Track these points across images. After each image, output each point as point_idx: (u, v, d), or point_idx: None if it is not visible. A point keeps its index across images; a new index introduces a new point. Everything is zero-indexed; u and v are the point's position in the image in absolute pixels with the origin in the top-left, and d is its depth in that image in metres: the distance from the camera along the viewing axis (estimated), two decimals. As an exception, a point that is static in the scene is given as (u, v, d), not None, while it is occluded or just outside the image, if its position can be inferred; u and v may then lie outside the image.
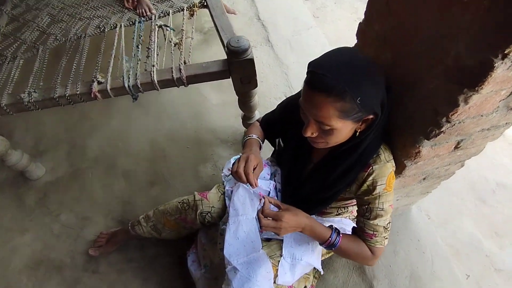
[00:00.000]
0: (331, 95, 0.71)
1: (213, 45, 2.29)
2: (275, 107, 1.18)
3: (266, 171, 1.18)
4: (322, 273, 1.12)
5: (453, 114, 0.71)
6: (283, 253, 1.05)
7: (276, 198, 1.13)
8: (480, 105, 0.71)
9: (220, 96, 2.05)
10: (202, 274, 1.24)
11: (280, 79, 2.08)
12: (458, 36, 0.64)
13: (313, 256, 1.08)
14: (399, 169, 1.01)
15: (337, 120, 0.76)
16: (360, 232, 0.98)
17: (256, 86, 1.42)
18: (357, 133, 0.85)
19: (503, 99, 0.74)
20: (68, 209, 1.65)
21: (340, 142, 0.87)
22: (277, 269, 1.04)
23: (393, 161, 0.93)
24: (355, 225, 1.14)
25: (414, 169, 1.02)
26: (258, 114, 1.68)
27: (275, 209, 0.95)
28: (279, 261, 1.04)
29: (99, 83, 1.27)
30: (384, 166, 0.90)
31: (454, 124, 0.77)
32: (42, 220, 1.62)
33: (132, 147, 1.84)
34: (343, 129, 0.80)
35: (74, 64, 1.37)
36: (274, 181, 1.17)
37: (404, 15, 0.77)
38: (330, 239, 0.96)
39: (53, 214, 1.63)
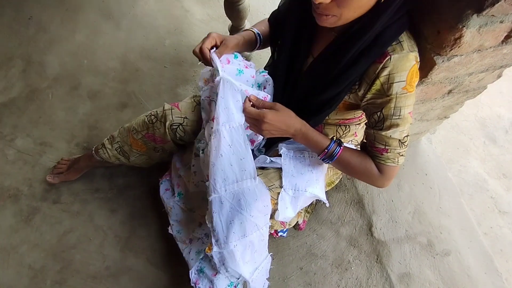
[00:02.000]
0: None
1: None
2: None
3: (250, 73, 0.90)
4: (326, 204, 0.94)
5: None
6: (283, 183, 0.85)
7: None
8: None
9: (205, 10, 1.73)
10: (175, 202, 1.05)
11: (276, -8, 1.75)
12: None
13: (317, 187, 0.88)
14: (425, 70, 0.79)
15: None
16: (370, 146, 0.78)
17: (246, -21, 1.12)
18: (382, 0, 0.61)
19: None
20: (24, 133, 1.41)
21: (356, 15, 0.63)
22: (276, 203, 0.85)
23: (417, 53, 0.69)
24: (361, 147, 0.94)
25: (445, 70, 0.79)
26: (248, 24, 1.39)
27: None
28: (278, 193, 0.85)
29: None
30: (405, 57, 0.67)
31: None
32: (-6, 145, 1.39)
33: (100, 65, 1.55)
34: None
35: None
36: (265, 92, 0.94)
37: None
38: (327, 149, 0.76)
39: (7, 139, 1.39)
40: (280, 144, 0.90)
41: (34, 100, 1.48)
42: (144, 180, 1.28)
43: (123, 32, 1.65)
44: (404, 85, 0.68)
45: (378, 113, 0.72)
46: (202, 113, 0.93)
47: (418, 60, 0.70)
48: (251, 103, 0.78)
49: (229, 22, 1.43)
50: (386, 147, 0.74)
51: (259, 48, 0.96)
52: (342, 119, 0.88)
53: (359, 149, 1.03)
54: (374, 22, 0.63)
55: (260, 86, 0.96)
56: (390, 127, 0.72)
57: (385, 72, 0.67)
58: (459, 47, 0.70)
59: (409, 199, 1.26)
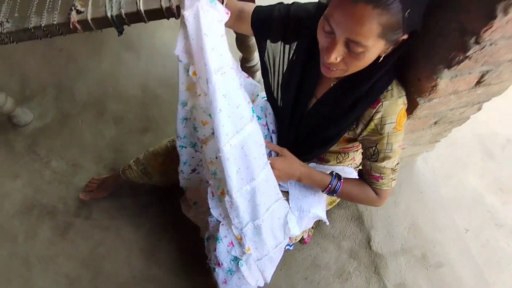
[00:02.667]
0: (378, 5, 0.58)
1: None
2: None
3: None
4: (327, 223, 1.07)
5: (486, 30, 0.60)
6: (290, 205, 0.98)
7: (271, 140, 1.04)
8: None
9: (217, 40, 1.89)
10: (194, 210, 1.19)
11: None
12: None
13: (319, 208, 1.02)
14: (410, 108, 0.91)
15: (376, 39, 0.62)
16: (366, 175, 0.91)
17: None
18: (380, 59, 0.72)
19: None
20: (58, 155, 1.58)
21: (360, 69, 0.74)
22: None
23: (405, 97, 0.82)
24: (358, 174, 1.06)
25: (427, 108, 0.92)
26: (256, 58, 1.54)
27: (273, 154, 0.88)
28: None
29: (78, 12, 1.12)
30: (394, 103, 0.80)
31: (483, 47, 0.65)
32: (32, 166, 1.57)
33: (123, 92, 1.73)
34: (373, 51, 0.67)
35: (51, -8, 1.22)
36: (266, 122, 1.06)
37: None
38: (330, 185, 0.90)
39: (43, 161, 1.57)
40: None
41: (66, 125, 1.66)
42: (164, 199, 1.43)
43: (143, 61, 1.83)
44: (394, 125, 0.81)
45: (373, 148, 0.85)
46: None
47: (406, 102, 0.83)
48: None
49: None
50: (381, 175, 0.87)
51: None
52: (342, 148, 1.02)
53: (357, 171, 1.16)
54: (372, 76, 0.76)
55: (263, 110, 1.08)
56: (384, 159, 0.84)
57: (378, 116, 0.80)
58: (436, 92, 0.82)
59: (405, 216, 1.38)
